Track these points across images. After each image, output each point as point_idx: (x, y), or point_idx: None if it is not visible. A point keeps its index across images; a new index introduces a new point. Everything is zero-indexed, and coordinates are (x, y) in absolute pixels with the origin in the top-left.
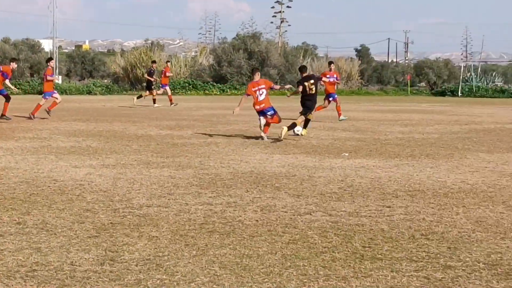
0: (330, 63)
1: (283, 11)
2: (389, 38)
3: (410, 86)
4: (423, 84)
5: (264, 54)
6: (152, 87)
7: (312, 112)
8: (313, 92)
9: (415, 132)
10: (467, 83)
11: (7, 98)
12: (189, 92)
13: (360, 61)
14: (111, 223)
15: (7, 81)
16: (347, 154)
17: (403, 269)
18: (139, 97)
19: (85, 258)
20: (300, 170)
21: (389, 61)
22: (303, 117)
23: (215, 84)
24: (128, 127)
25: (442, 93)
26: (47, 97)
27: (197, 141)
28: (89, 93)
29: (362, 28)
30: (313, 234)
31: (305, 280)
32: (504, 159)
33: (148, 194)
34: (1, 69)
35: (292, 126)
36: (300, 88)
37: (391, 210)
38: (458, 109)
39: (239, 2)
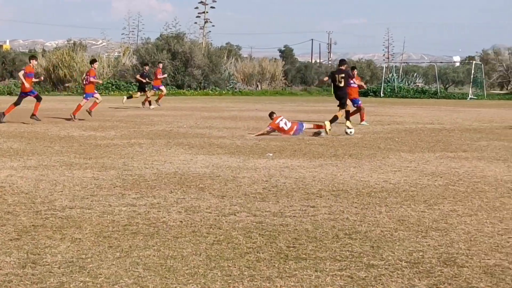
0: (353, 68)
1: (207, 12)
2: (312, 39)
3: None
4: None
5: (188, 55)
6: (146, 88)
7: (345, 107)
8: (342, 85)
9: (338, 132)
10: (389, 83)
11: (38, 98)
12: (112, 92)
13: (284, 62)
14: (33, 225)
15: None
16: (271, 155)
17: (327, 268)
18: (129, 97)
19: (6, 261)
20: (224, 171)
21: (313, 61)
22: (342, 110)
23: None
24: (50, 128)
25: (365, 94)
26: (88, 98)
27: (120, 142)
28: (10, 93)
29: (286, 28)
30: (238, 234)
31: (230, 281)
32: (425, 158)
33: (70, 196)
34: (25, 71)
35: (334, 119)
36: (326, 78)
37: (315, 210)
38: (381, 110)
39: (162, 2)
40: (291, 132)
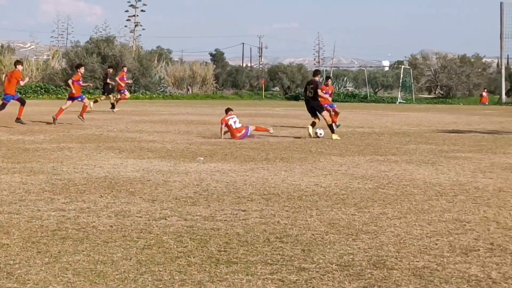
0: (327, 78)
1: (137, 15)
2: (243, 43)
3: (265, 91)
4: (277, 88)
5: (118, 58)
6: (112, 92)
7: (320, 115)
8: (311, 95)
9: (269, 136)
10: None
11: (22, 102)
12: (41, 96)
13: (215, 66)
14: None
15: (21, 83)
16: (202, 159)
17: (258, 272)
18: (95, 101)
19: None
20: (155, 175)
21: (244, 65)
22: (325, 113)
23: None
24: None
25: (296, 98)
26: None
27: (49, 146)
28: None
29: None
30: (168, 239)
31: (161, 286)
32: (355, 162)
33: None
34: (14, 76)
35: (313, 124)
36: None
37: (246, 213)
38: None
39: (91, 5)
40: (238, 134)
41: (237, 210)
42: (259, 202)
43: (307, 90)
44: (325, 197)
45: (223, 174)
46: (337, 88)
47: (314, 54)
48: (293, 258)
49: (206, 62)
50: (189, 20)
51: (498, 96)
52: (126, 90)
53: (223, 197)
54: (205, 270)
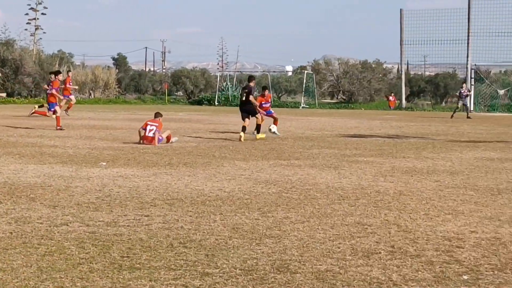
0: (264, 88)
1: (37, 18)
2: (146, 47)
3: (168, 95)
4: (180, 93)
5: (18, 62)
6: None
7: (256, 116)
8: (244, 99)
9: (182, 141)
10: (224, 92)
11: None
12: None
13: (117, 70)
14: None
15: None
16: (104, 164)
17: (161, 277)
18: (41, 106)
19: None
20: (56, 180)
21: (147, 70)
22: (259, 115)
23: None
24: None
25: (199, 102)
26: (52, 108)
27: None
28: None
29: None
30: (70, 245)
31: None
32: (259, 166)
33: None
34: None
35: (258, 128)
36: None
37: (150, 219)
38: (215, 118)
39: None
40: (146, 141)
41: (140, 216)
42: (162, 207)
43: (242, 95)
44: (229, 202)
45: (126, 179)
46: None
47: (217, 58)
48: (196, 263)
49: (108, 66)
50: (91, 24)
51: (399, 101)
52: (72, 95)
53: (125, 202)
54: (107, 276)
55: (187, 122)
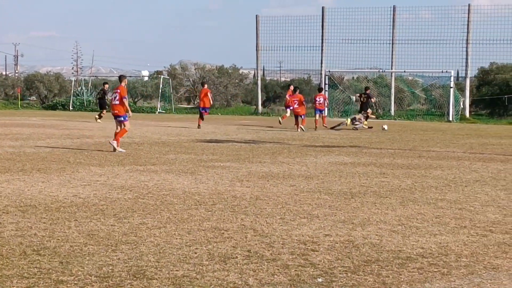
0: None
1: None
2: None
3: (21, 100)
4: (34, 97)
5: None
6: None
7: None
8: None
9: (26, 146)
10: (78, 97)
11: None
12: None
13: None
14: None
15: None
16: None
17: (14, 286)
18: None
19: None
20: None
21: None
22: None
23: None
24: None
25: (54, 107)
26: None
27: None
28: None
29: None
30: None
31: None
32: (115, 172)
33: None
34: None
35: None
36: None
37: (2, 226)
38: (70, 123)
39: None
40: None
41: None
42: (15, 214)
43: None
44: (84, 208)
45: None
46: (94, 97)
47: (72, 63)
48: (50, 270)
49: None
50: None
51: (255, 107)
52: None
53: None
54: None
55: (41, 127)
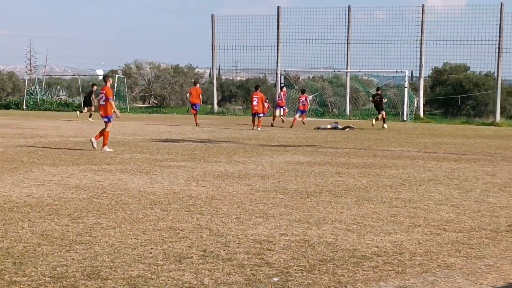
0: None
1: None
2: None
3: None
4: None
5: None
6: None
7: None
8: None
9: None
10: (32, 96)
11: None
12: None
13: None
14: None
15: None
16: None
17: None
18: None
19: None
20: None
21: None
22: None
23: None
24: None
25: (7, 106)
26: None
27: None
28: None
29: None
30: None
31: None
32: (69, 172)
33: None
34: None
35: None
36: None
37: None
38: (23, 123)
39: None
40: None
41: None
42: None
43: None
44: (38, 208)
45: None
46: (50, 96)
47: (25, 61)
48: (3, 271)
49: None
50: None
51: (211, 106)
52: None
53: None
54: None
55: None
